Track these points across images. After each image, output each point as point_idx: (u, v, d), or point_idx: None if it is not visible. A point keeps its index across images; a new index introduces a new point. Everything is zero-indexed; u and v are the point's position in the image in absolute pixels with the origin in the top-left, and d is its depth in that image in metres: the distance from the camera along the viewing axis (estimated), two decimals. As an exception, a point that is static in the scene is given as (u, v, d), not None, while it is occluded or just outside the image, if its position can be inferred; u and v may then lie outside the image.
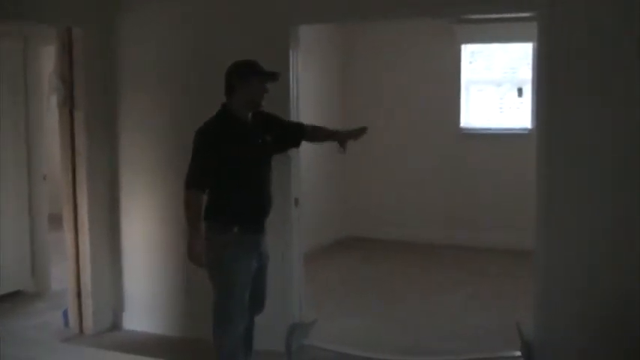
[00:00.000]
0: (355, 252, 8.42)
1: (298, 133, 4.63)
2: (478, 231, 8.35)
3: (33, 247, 6.72)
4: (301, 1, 5.04)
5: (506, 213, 8.12)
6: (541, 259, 4.55)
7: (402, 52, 8.62)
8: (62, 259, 5.87)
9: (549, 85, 4.46)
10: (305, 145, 4.86)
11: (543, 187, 4.52)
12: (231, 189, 4.18)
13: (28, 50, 6.63)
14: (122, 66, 5.57)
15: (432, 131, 8.60)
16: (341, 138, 4.65)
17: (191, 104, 5.27)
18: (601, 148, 4.35)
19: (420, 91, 8.59)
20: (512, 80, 8.52)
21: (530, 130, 7.82)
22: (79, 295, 5.64)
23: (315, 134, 4.73)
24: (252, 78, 4.21)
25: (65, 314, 5.78)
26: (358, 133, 4.62)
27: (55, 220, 6.45)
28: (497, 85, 8.64)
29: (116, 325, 5.77)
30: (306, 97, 5.50)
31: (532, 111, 7.82)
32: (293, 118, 4.96)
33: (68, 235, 5.63)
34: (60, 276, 6.45)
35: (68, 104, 5.51)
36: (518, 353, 4.71)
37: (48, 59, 6.37)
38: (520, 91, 8.40)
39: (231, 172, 4.15)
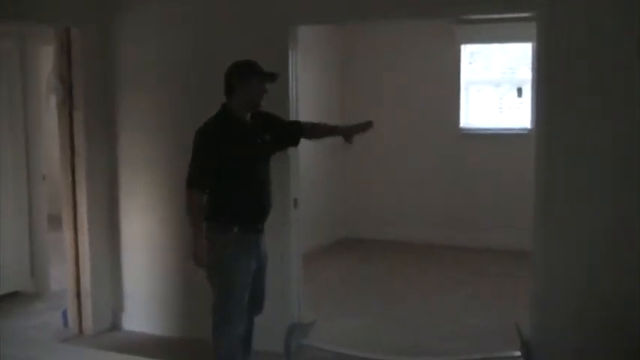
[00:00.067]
0: (354, 252, 8.42)
1: (297, 132, 4.63)
2: (478, 231, 8.34)
3: (32, 248, 6.72)
4: (301, 1, 5.03)
5: (506, 213, 8.12)
6: (539, 259, 4.55)
7: (401, 52, 8.62)
8: (61, 260, 5.86)
9: (548, 85, 4.45)
10: (304, 146, 4.86)
11: (541, 187, 4.52)
12: (231, 189, 4.18)
13: (27, 50, 6.62)
14: (121, 66, 5.56)
15: (432, 131, 8.60)
16: (345, 132, 4.66)
17: (190, 104, 5.26)
18: (601, 148, 4.34)
19: (419, 92, 8.59)
20: (512, 80, 8.53)
21: (529, 130, 7.80)
22: (78, 295, 5.64)
23: (314, 131, 4.74)
24: (251, 78, 4.22)
25: (64, 314, 5.77)
26: (365, 127, 4.61)
27: (55, 221, 6.45)
28: (496, 86, 8.64)
29: (115, 325, 5.77)
30: (306, 97, 5.50)
31: (531, 111, 7.81)
32: (292, 118, 4.96)
33: (67, 236, 5.63)
34: (59, 276, 6.45)
35: (67, 104, 5.50)
36: (518, 353, 4.71)
37: (46, 59, 6.37)
38: (520, 91, 8.40)
39: (231, 172, 4.15)
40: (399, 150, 8.73)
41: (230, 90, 4.24)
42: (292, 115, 4.99)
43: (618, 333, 4.34)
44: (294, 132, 4.62)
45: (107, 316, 5.74)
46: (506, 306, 6.17)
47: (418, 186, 8.68)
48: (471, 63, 8.66)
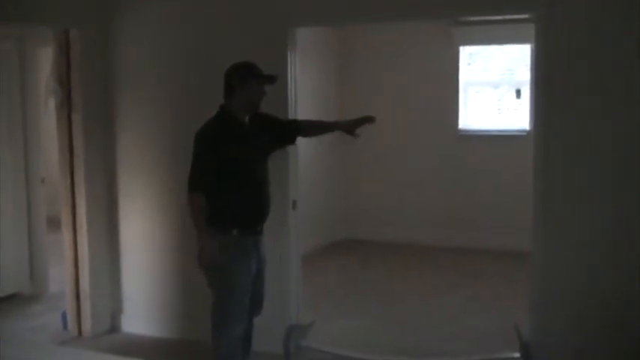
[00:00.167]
0: (353, 253, 8.41)
1: (294, 130, 4.64)
2: (477, 232, 8.34)
3: (31, 249, 6.71)
4: (301, 3, 5.03)
5: (506, 214, 8.11)
6: (538, 259, 4.55)
7: (400, 53, 8.62)
8: (60, 262, 5.84)
9: (547, 85, 4.45)
10: (304, 146, 4.86)
11: (540, 187, 4.52)
12: (231, 190, 4.18)
13: (26, 52, 6.61)
14: (120, 67, 5.56)
15: (431, 132, 8.59)
16: (345, 128, 4.66)
17: (189, 105, 5.26)
18: (601, 148, 4.34)
19: (417, 93, 8.59)
20: (510, 82, 8.53)
21: (528, 131, 7.81)
22: (77, 297, 5.63)
23: (312, 128, 4.77)
24: (251, 80, 4.22)
25: (63, 316, 5.76)
26: (366, 120, 4.60)
27: (54, 222, 6.45)
28: (494, 87, 8.65)
29: (114, 327, 5.76)
30: (305, 98, 5.50)
31: (530, 112, 7.81)
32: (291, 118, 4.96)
33: (66, 237, 5.62)
34: (58, 278, 6.44)
35: (66, 106, 5.50)
36: (518, 355, 4.70)
37: (45, 61, 6.36)
38: (518, 93, 8.41)
39: (230, 173, 4.15)
40: (398, 150, 8.73)
41: (229, 92, 4.24)
42: (291, 116, 4.98)
43: (618, 333, 4.34)
44: (291, 130, 4.63)
45: (106, 318, 5.73)
46: (505, 307, 6.16)
47: (417, 186, 8.67)
48: (469, 64, 8.66)
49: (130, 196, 5.63)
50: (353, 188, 8.99)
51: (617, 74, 4.29)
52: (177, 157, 5.24)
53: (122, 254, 5.71)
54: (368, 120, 4.59)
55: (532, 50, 6.35)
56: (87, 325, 5.62)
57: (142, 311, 5.68)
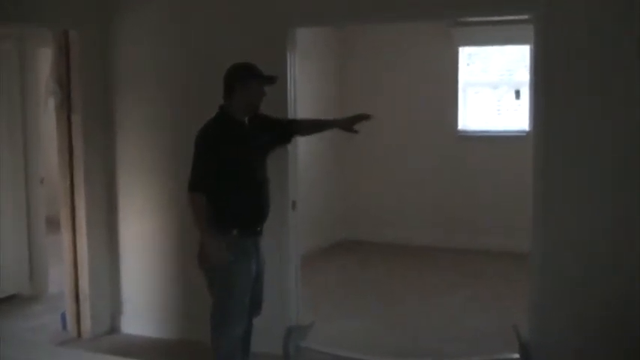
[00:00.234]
0: (353, 254, 8.41)
1: (291, 130, 4.66)
2: (477, 232, 8.34)
3: (30, 250, 6.70)
4: (301, 3, 5.03)
5: (505, 214, 8.10)
6: (538, 260, 4.55)
7: (400, 53, 8.61)
8: (60, 262, 5.84)
9: (547, 85, 4.45)
10: (303, 146, 4.85)
11: (540, 187, 4.52)
12: (231, 191, 4.18)
13: (26, 52, 6.61)
14: (120, 67, 5.55)
15: (430, 133, 8.59)
16: (342, 125, 4.67)
17: (189, 106, 5.25)
18: (601, 148, 4.35)
19: (417, 93, 8.58)
20: (509, 83, 8.53)
21: (527, 132, 7.81)
22: (76, 298, 5.62)
23: (309, 127, 4.79)
24: (250, 81, 4.23)
25: (63, 317, 5.75)
26: (362, 118, 4.59)
27: (53, 223, 6.43)
28: (493, 88, 8.65)
29: (114, 328, 5.75)
30: (305, 98, 5.50)
31: (529, 113, 7.81)
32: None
33: (66, 238, 5.61)
34: (57, 279, 6.42)
35: (65, 107, 5.49)
36: (517, 355, 4.70)
37: (45, 61, 6.36)
38: (517, 94, 8.41)
39: (230, 174, 4.15)
40: (398, 151, 8.72)
41: (229, 92, 4.24)
42: (291, 116, 4.97)
43: (618, 333, 4.34)
44: (289, 130, 4.64)
45: (105, 318, 5.72)
46: (505, 307, 6.16)
47: (417, 187, 8.67)
48: (468, 65, 8.66)
49: (129, 196, 5.63)
50: (353, 189, 8.98)
51: (617, 74, 4.29)
52: (177, 157, 5.24)
53: (121, 255, 5.70)
54: (363, 117, 4.59)
55: (531, 51, 6.37)
56: (86, 325, 5.62)
57: (142, 312, 5.67)
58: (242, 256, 4.20)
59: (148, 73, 5.48)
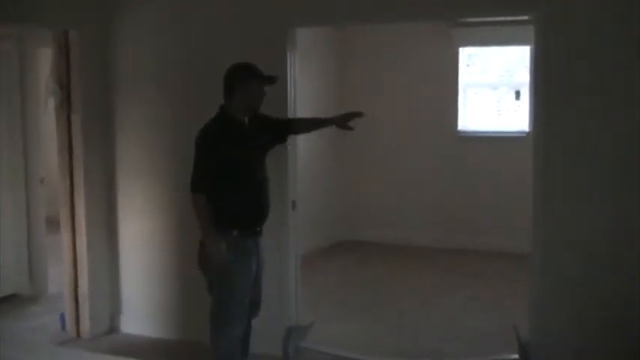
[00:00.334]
0: (353, 254, 8.40)
1: (289, 129, 4.66)
2: (477, 233, 8.33)
3: (30, 250, 6.70)
4: (301, 3, 5.02)
5: (505, 214, 8.10)
6: (538, 260, 4.55)
7: (400, 53, 8.61)
8: (59, 262, 5.83)
9: (547, 86, 4.45)
10: (303, 146, 4.85)
11: (540, 187, 4.52)
12: (231, 191, 4.18)
13: (26, 52, 6.60)
14: (120, 67, 5.55)
15: (430, 133, 8.58)
16: (337, 122, 4.67)
17: (189, 106, 5.25)
18: (601, 148, 4.35)
19: (417, 93, 8.58)
20: (509, 83, 8.53)
21: (527, 132, 7.81)
22: (76, 298, 5.62)
23: (305, 126, 4.81)
24: (251, 81, 4.23)
25: (62, 317, 5.75)
26: (355, 115, 4.60)
27: (53, 223, 6.43)
28: (493, 88, 8.65)
29: (113, 328, 5.74)
30: (305, 98, 5.50)
31: (529, 113, 7.82)
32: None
33: (65, 238, 5.61)
34: (57, 279, 6.42)
35: (65, 107, 5.49)
36: (517, 356, 4.70)
37: (45, 61, 6.35)
38: (517, 94, 8.42)
39: (230, 174, 4.15)
40: (398, 151, 8.72)
41: (229, 92, 4.24)
42: (291, 116, 4.97)
43: (618, 333, 4.34)
44: (284, 129, 4.64)
45: (105, 318, 5.72)
46: (505, 307, 6.16)
47: (417, 187, 8.66)
48: (468, 65, 8.66)
49: (129, 196, 5.62)
50: (352, 188, 8.97)
51: (617, 74, 4.29)
52: (176, 157, 5.24)
53: (121, 255, 5.70)
54: (356, 115, 4.59)
55: (531, 52, 6.38)
56: (86, 326, 5.61)
57: (141, 312, 5.67)
58: (242, 256, 4.20)
59: (148, 73, 5.48)
